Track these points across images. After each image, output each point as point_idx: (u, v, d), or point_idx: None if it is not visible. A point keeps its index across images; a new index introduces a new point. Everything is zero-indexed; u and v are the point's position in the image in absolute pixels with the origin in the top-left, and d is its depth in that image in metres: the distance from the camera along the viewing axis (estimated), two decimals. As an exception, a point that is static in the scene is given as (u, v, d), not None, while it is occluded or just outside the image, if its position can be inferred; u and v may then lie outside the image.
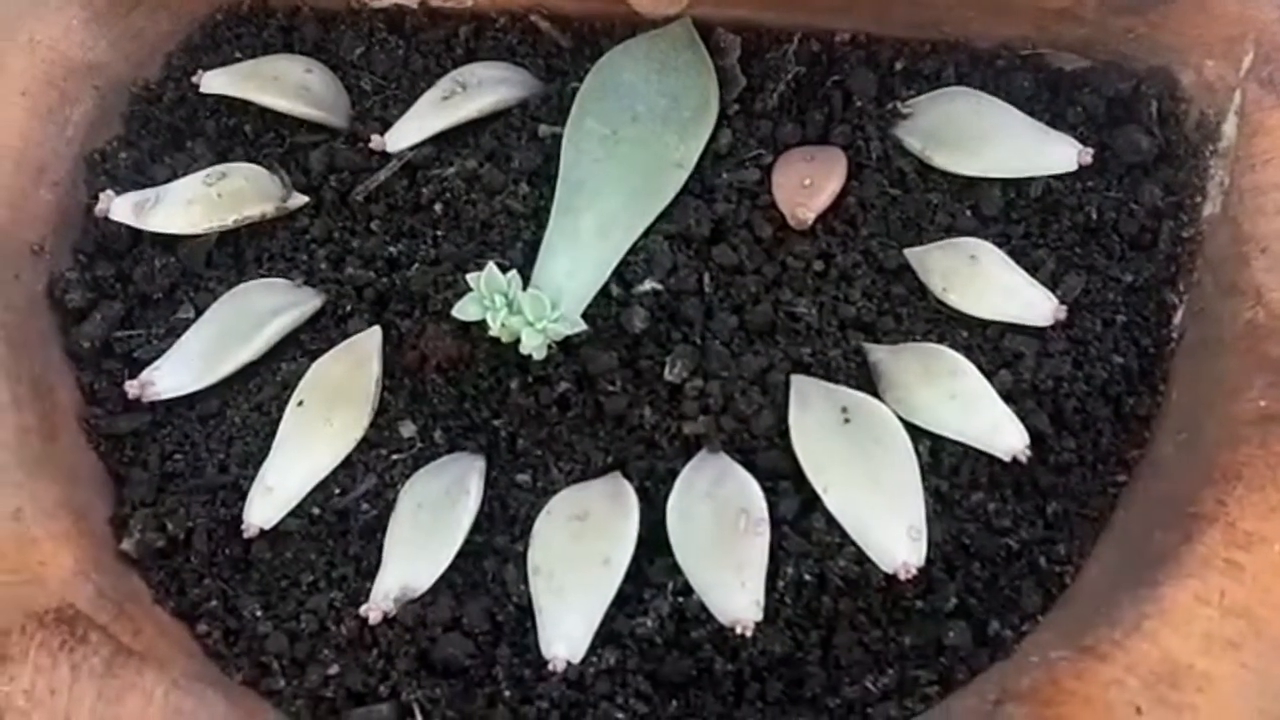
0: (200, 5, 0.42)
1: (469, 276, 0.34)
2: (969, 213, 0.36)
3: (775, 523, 0.32)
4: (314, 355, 0.36)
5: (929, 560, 0.31)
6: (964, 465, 0.33)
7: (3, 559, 0.32)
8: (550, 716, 0.31)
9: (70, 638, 0.30)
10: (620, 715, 0.31)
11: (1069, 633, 0.30)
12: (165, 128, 0.40)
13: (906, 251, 0.36)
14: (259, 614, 0.33)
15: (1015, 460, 0.32)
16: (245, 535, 0.33)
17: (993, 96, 0.37)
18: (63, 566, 0.32)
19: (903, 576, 0.31)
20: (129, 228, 0.38)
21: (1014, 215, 0.36)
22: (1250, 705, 0.28)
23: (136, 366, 0.36)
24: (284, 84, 0.40)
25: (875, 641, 0.31)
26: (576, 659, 0.31)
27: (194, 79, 0.40)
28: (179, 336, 0.37)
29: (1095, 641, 0.29)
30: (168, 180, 0.39)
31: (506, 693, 0.31)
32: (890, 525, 0.32)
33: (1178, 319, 0.35)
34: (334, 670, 0.32)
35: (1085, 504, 0.33)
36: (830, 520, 0.32)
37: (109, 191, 0.38)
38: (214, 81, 0.40)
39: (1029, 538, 0.32)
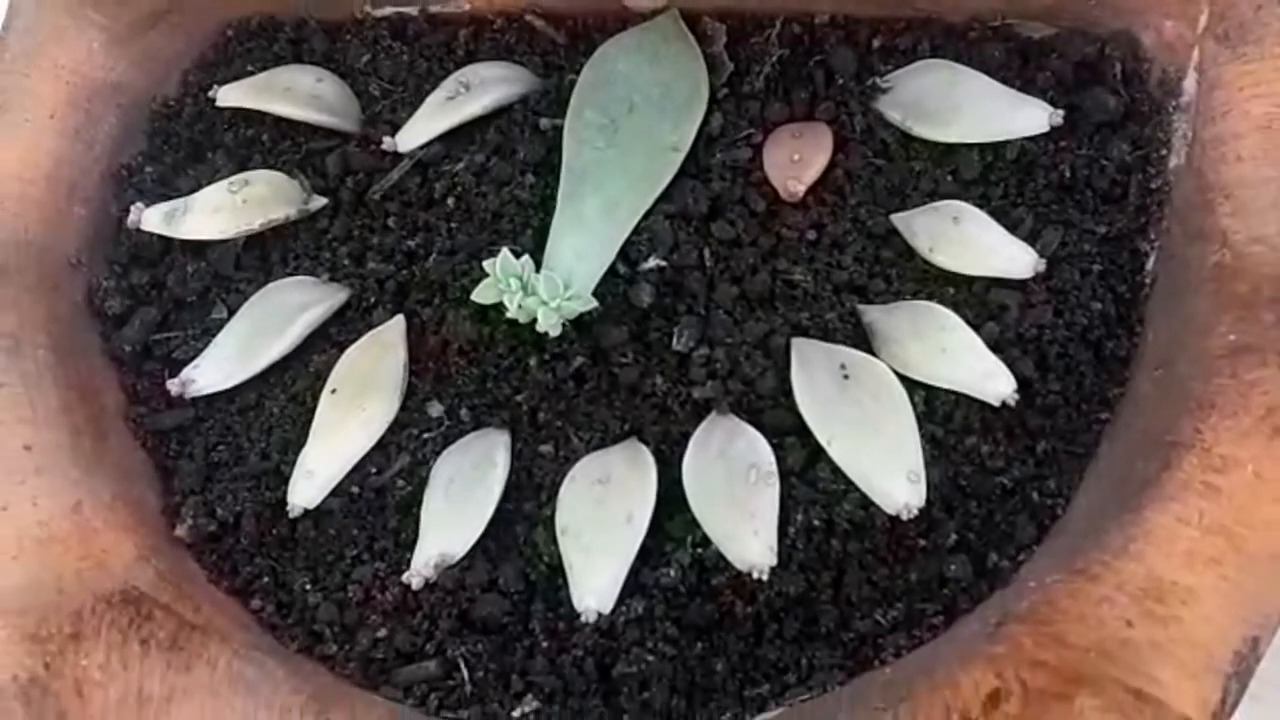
0: (211, 23, 0.44)
1: (485, 263, 0.37)
2: (950, 177, 0.39)
3: (784, 475, 0.34)
4: (343, 346, 0.38)
5: (929, 501, 0.33)
6: (957, 412, 0.35)
7: (68, 549, 0.34)
8: (585, 664, 0.33)
9: (137, 616, 0.32)
10: (650, 659, 0.33)
11: (1062, 559, 0.32)
12: (186, 141, 0.43)
13: (893, 217, 0.38)
14: (308, 587, 0.35)
15: (1005, 405, 0.35)
16: (290, 516, 0.36)
17: (966, 67, 0.39)
18: (124, 553, 0.34)
19: (905, 517, 0.33)
20: (160, 237, 0.40)
21: (992, 177, 0.38)
22: (1231, 615, 0.31)
23: (176, 366, 0.39)
24: (296, 94, 0.42)
25: (882, 579, 0.34)
26: (606, 610, 0.33)
27: (210, 94, 0.42)
28: (214, 336, 0.39)
29: (1086, 565, 0.31)
30: (192, 190, 0.41)
31: (544, 644, 0.33)
32: (891, 471, 0.34)
33: (1150, 265, 0.37)
34: (382, 634, 0.34)
35: (1072, 441, 0.35)
36: (835, 469, 0.34)
37: (139, 204, 0.41)
38: (230, 95, 0.42)
39: (1021, 475, 0.35)
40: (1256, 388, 0.32)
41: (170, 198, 0.41)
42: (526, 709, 0.33)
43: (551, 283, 0.36)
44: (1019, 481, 0.35)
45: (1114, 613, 0.30)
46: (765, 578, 0.33)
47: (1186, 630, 0.30)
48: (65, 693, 0.31)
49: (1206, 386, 0.33)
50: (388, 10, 0.43)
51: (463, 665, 0.33)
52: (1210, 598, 0.31)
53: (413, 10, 0.43)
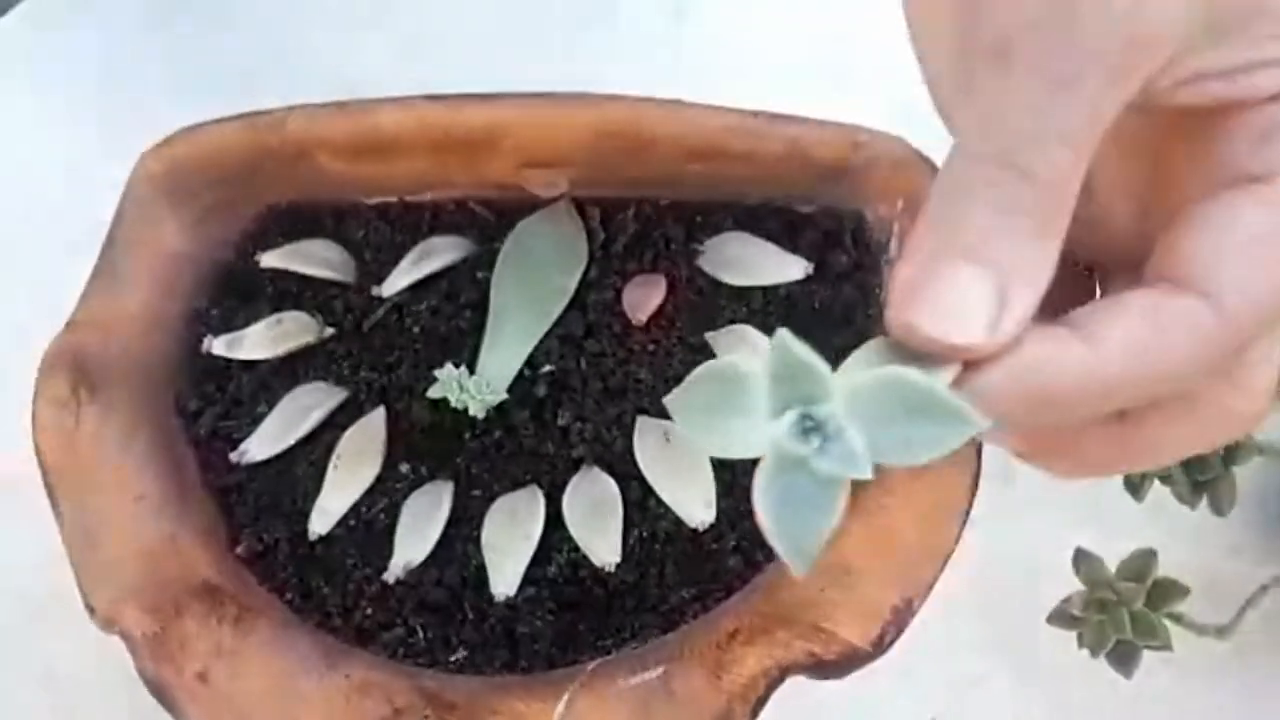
0: (254, 210, 0.64)
1: (436, 372, 0.56)
2: (743, 309, 0.58)
3: (627, 504, 0.53)
4: (344, 429, 0.57)
5: (717, 520, 0.52)
6: (738, 464, 0.54)
7: (168, 561, 0.52)
8: (497, 628, 0.51)
9: (214, 601, 0.51)
10: (539, 623, 0.51)
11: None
12: (238, 292, 0.62)
13: (706, 335, 0.57)
14: (322, 585, 0.54)
15: (768, 457, 0.54)
16: (310, 540, 0.55)
17: (755, 236, 0.59)
18: (203, 564, 0.53)
19: (701, 530, 0.52)
20: (223, 358, 0.60)
21: (770, 309, 0.57)
22: (890, 584, 0.49)
23: (234, 444, 0.58)
24: (314, 258, 0.62)
25: (688, 569, 0.52)
26: (512, 593, 0.52)
27: (255, 258, 0.62)
28: (260, 424, 0.58)
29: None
30: (244, 326, 0.60)
31: (471, 617, 0.52)
32: (695, 500, 0.52)
33: (868, 365, 0.56)
34: (369, 612, 0.53)
35: (811, 480, 0.54)
36: (659, 500, 0.53)
37: (208, 336, 0.60)
38: (269, 259, 0.62)
39: (777, 502, 0.53)
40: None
41: (230, 331, 0.61)
42: (459, 655, 0.51)
43: (479, 384, 0.56)
44: (776, 506, 0.53)
45: (814, 584, 0.49)
46: (613, 570, 0.52)
47: (859, 595, 0.49)
48: (174, 645, 0.49)
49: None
50: (376, 200, 0.63)
51: (420, 630, 0.52)
52: (877, 575, 0.49)
53: (393, 199, 0.63)
